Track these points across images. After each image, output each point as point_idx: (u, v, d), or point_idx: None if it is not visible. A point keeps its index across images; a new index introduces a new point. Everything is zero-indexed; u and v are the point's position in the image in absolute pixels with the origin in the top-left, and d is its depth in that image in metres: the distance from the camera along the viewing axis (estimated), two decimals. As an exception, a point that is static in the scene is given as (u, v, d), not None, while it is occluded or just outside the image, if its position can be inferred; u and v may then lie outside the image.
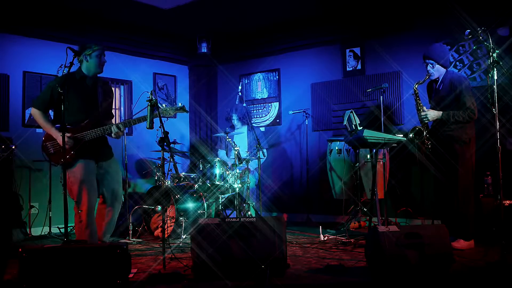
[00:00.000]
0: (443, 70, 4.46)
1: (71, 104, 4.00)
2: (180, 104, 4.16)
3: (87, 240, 4.06)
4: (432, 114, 4.40)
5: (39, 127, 6.01)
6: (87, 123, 4.10)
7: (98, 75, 4.26)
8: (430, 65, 4.46)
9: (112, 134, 4.13)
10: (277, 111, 7.41)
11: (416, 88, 4.53)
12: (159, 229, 5.44)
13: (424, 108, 4.47)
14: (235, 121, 6.36)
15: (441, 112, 4.37)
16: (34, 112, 4.17)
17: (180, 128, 7.82)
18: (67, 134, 3.96)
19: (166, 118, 4.11)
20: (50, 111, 4.25)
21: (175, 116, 7.79)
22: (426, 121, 4.45)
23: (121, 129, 4.12)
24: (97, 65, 4.15)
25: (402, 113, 6.20)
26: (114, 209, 4.31)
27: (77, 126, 4.08)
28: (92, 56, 4.12)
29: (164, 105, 4.17)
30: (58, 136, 4.01)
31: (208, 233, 3.47)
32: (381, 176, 5.19)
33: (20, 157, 5.74)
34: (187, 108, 4.13)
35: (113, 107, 4.47)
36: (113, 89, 4.47)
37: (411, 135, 4.48)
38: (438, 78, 4.50)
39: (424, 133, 4.44)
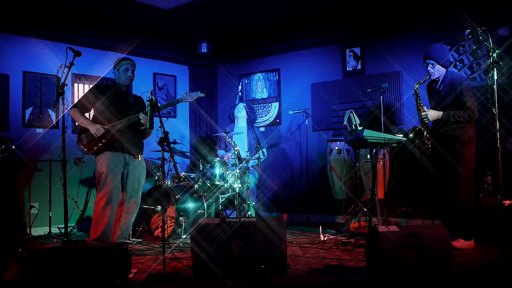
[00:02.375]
0: (443, 70, 4.47)
1: (106, 106, 4.45)
2: (200, 91, 4.56)
3: (100, 233, 4.27)
4: (433, 114, 4.41)
5: (39, 127, 6.11)
6: (116, 116, 4.46)
7: (129, 86, 4.68)
8: (431, 65, 4.46)
9: (142, 125, 4.47)
10: (277, 111, 7.41)
11: (417, 88, 4.54)
12: (159, 229, 5.43)
13: (425, 108, 4.48)
14: (240, 108, 6.36)
15: (441, 112, 4.37)
16: (72, 111, 4.53)
17: (180, 128, 7.82)
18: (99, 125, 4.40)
19: (166, 118, 4.18)
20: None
21: (175, 116, 7.80)
22: (426, 121, 4.45)
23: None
24: (124, 78, 4.55)
25: (402, 113, 6.20)
26: (131, 209, 4.56)
27: (108, 120, 4.46)
28: (120, 70, 4.55)
29: (185, 93, 4.69)
30: (91, 125, 4.40)
31: (208, 233, 3.47)
32: (381, 176, 5.19)
33: (20, 157, 5.73)
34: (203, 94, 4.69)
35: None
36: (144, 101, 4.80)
37: (411, 135, 4.49)
38: (438, 78, 4.51)
39: (425, 133, 4.44)
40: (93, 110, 4.59)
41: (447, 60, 4.49)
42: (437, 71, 4.46)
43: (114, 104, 4.50)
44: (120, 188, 4.47)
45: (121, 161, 4.46)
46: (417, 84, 4.55)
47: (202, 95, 4.54)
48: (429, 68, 4.48)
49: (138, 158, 4.60)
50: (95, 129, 4.37)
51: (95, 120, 4.51)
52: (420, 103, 4.50)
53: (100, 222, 4.31)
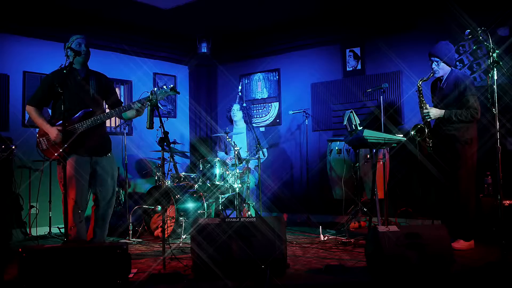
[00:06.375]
0: (448, 68, 4.44)
1: (64, 102, 3.90)
2: (170, 86, 3.98)
3: (76, 233, 3.99)
4: (435, 112, 4.38)
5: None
6: (78, 116, 4.04)
7: (87, 63, 4.18)
8: (435, 62, 4.43)
9: (130, 112, 4.09)
10: (277, 111, 7.41)
11: (420, 85, 4.50)
12: (159, 229, 5.44)
13: (427, 106, 4.45)
14: (235, 111, 6.35)
15: (443, 110, 4.35)
16: (28, 109, 4.15)
17: (180, 128, 7.83)
18: (58, 128, 3.96)
19: (166, 118, 4.12)
20: (45, 108, 4.23)
21: (175, 116, 7.80)
22: (428, 119, 4.42)
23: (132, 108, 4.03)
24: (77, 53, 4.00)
25: (402, 113, 6.20)
26: (105, 210, 4.22)
27: (69, 119, 4.02)
28: (72, 47, 4.04)
29: (154, 89, 4.03)
30: (49, 129, 3.99)
31: (208, 233, 3.47)
32: (381, 176, 5.18)
33: (20, 157, 5.73)
34: (178, 90, 4.07)
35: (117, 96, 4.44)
36: (109, 79, 4.41)
37: (412, 133, 4.47)
38: (442, 76, 4.48)
39: (426, 131, 4.42)
40: (51, 106, 4.17)
41: (452, 58, 4.45)
42: (442, 69, 4.42)
43: (74, 100, 4.03)
44: (87, 192, 4.15)
45: (87, 164, 4.09)
46: (420, 80, 4.52)
47: (175, 93, 3.99)
48: (433, 65, 4.44)
49: (107, 156, 4.24)
50: (55, 135, 3.97)
51: (53, 118, 4.11)
52: (422, 101, 4.46)
53: (74, 227, 4.00)
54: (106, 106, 4.34)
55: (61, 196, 3.74)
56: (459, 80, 4.34)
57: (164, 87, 3.97)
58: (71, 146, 3.95)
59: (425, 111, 4.42)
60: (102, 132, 4.23)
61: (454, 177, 4.30)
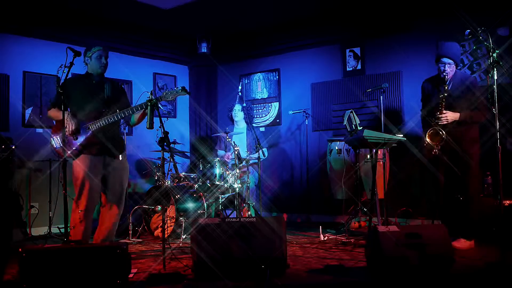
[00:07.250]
0: (454, 70, 4.42)
1: (78, 102, 4.10)
2: (179, 87, 3.99)
3: (81, 238, 4.02)
4: (451, 115, 4.27)
5: (39, 127, 6.10)
6: (91, 115, 4.09)
7: (104, 74, 4.29)
8: (448, 64, 4.33)
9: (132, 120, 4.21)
10: (277, 111, 7.41)
11: (446, 89, 4.31)
12: (159, 229, 5.44)
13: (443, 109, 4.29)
14: (237, 111, 6.34)
15: (458, 113, 4.28)
16: (50, 112, 4.23)
17: (180, 128, 7.83)
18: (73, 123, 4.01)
19: (166, 118, 4.11)
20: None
21: (175, 116, 7.80)
22: (445, 122, 4.27)
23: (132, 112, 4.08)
24: (97, 66, 4.18)
25: (402, 113, 6.20)
26: (115, 211, 4.23)
27: (81, 120, 4.10)
28: (92, 58, 4.16)
29: (166, 90, 4.10)
30: (66, 118, 3.99)
31: (208, 233, 3.47)
32: (381, 176, 5.18)
33: (20, 157, 5.73)
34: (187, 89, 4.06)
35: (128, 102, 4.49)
36: (123, 87, 4.50)
37: (428, 140, 4.30)
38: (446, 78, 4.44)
39: (444, 136, 4.22)
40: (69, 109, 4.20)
41: (459, 59, 4.44)
42: (452, 70, 4.37)
43: (87, 101, 4.11)
44: (98, 193, 4.17)
45: (99, 163, 4.12)
46: (445, 85, 4.32)
47: (185, 94, 3.99)
48: (446, 67, 4.33)
49: (119, 158, 4.23)
50: (72, 125, 4.01)
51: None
52: (443, 104, 4.28)
53: (79, 228, 4.04)
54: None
55: (66, 196, 3.73)
56: (465, 81, 4.32)
57: (175, 88, 4.04)
58: (84, 144, 4.04)
59: (442, 115, 4.26)
60: (114, 133, 4.27)
61: (464, 173, 4.26)
